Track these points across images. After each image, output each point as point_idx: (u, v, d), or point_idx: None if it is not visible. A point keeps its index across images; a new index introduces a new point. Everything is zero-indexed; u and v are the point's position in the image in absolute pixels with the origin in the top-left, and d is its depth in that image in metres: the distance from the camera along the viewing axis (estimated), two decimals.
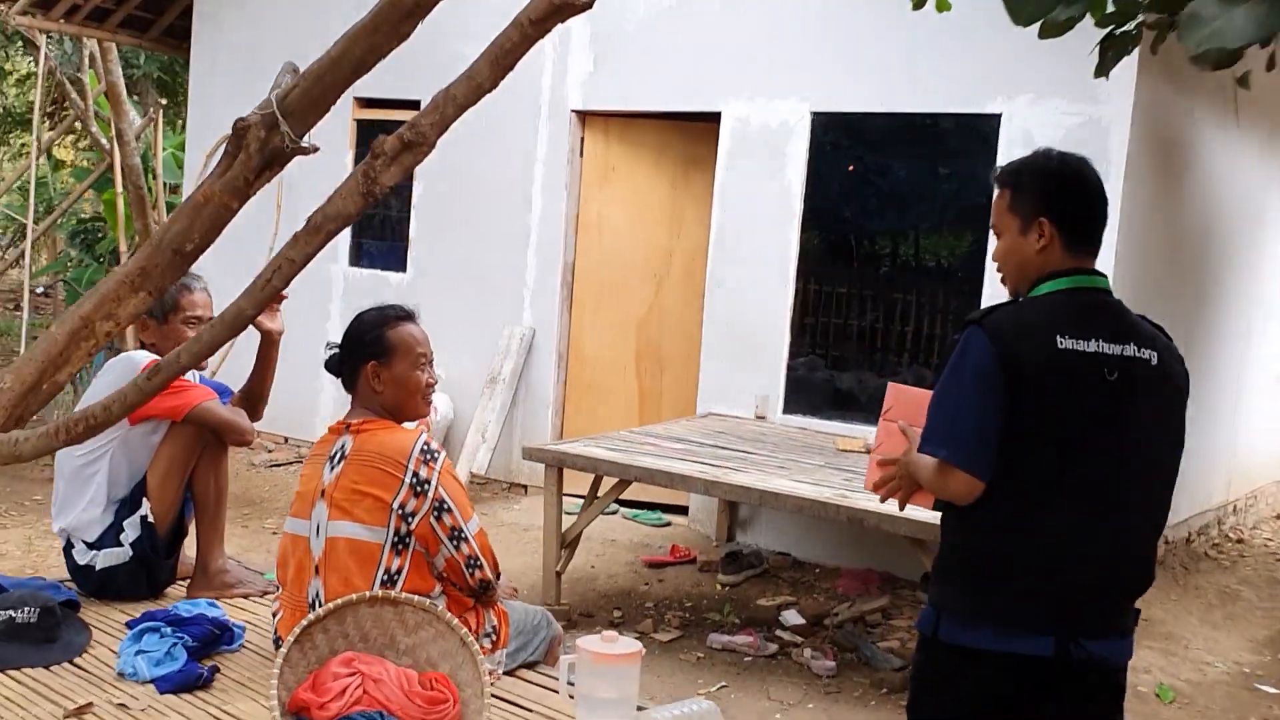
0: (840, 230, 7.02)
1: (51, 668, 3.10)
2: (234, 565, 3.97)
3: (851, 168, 6.94)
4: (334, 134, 8.38)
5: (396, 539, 3.07)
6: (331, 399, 8.43)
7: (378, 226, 8.47)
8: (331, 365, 3.22)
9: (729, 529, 7.00)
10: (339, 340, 3.24)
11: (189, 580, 3.86)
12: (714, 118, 7.11)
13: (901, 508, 2.66)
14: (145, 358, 3.67)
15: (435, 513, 3.06)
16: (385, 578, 3.06)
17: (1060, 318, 2.41)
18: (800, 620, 5.68)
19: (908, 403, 2.68)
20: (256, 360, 3.98)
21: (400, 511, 3.04)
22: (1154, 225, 6.44)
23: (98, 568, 3.65)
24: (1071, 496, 2.37)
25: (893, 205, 6.87)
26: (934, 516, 2.62)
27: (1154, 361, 2.43)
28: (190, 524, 3.88)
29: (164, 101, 11.07)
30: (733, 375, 7.02)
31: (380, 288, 8.27)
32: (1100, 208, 2.54)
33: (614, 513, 7.14)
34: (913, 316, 6.71)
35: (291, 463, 8.34)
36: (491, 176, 7.86)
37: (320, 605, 3.09)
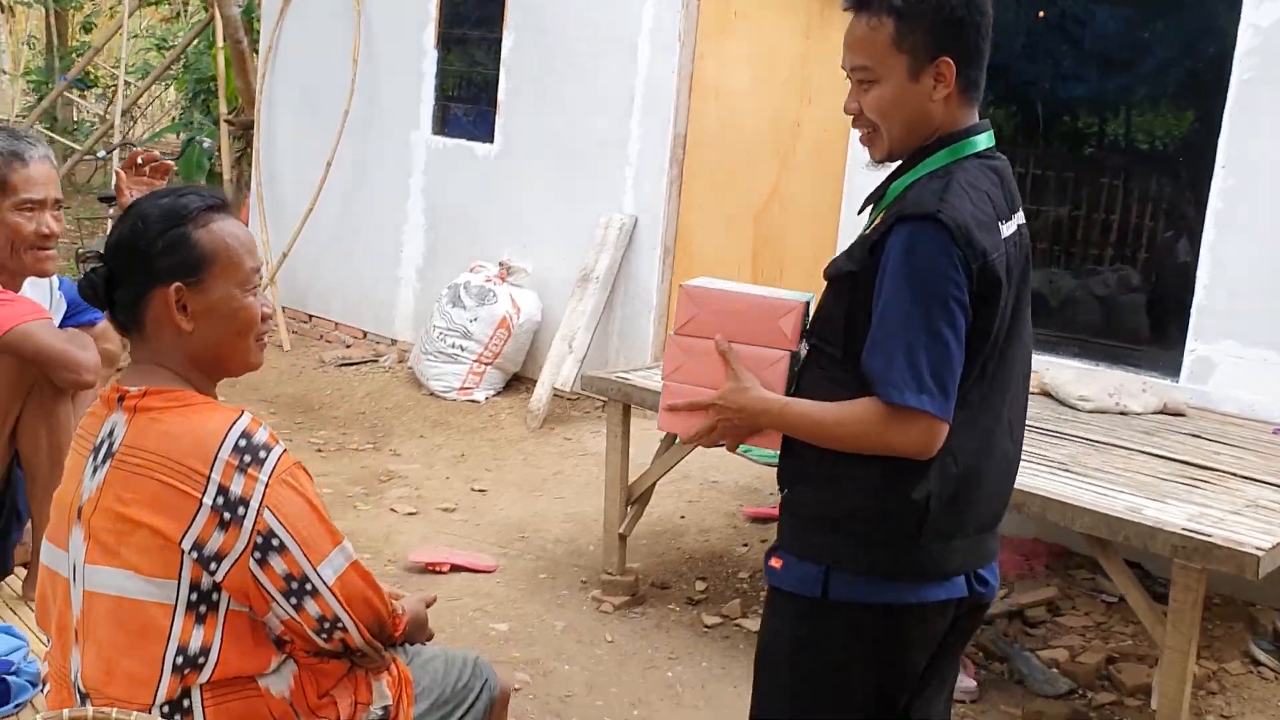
0: (1025, 98, 5.43)
1: None
2: None
3: (1042, 14, 5.32)
4: None
5: (195, 597, 1.87)
6: (413, 290, 7.31)
7: (465, 86, 7.18)
8: (91, 289, 1.97)
9: None
10: (103, 245, 1.98)
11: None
12: None
13: (733, 450, 2.22)
14: None
15: (257, 553, 1.86)
16: (180, 660, 1.87)
17: (993, 197, 2.03)
18: None
19: (716, 308, 2.16)
20: None
21: (196, 553, 1.84)
22: None
23: None
24: (985, 411, 2.06)
25: (1095, 67, 5.23)
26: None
27: (1025, 230, 2.14)
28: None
29: None
30: None
31: (465, 161, 7.03)
32: None
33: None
34: (1118, 205, 5.13)
35: (366, 362, 7.28)
36: (592, 20, 6.45)
37: (80, 691, 1.91)
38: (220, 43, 8.97)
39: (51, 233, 2.63)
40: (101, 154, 8.85)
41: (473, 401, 6.52)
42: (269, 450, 1.88)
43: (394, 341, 7.40)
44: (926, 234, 1.91)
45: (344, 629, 1.95)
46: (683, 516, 5.15)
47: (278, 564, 1.86)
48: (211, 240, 1.95)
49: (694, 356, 2.15)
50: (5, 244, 2.60)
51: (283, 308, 7.80)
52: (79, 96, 14.45)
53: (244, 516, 1.84)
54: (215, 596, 1.87)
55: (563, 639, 4.05)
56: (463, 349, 6.50)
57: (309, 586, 1.89)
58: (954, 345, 1.92)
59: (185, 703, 1.88)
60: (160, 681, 1.86)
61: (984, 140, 2.06)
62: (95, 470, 1.91)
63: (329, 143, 7.42)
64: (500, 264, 6.66)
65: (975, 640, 4.14)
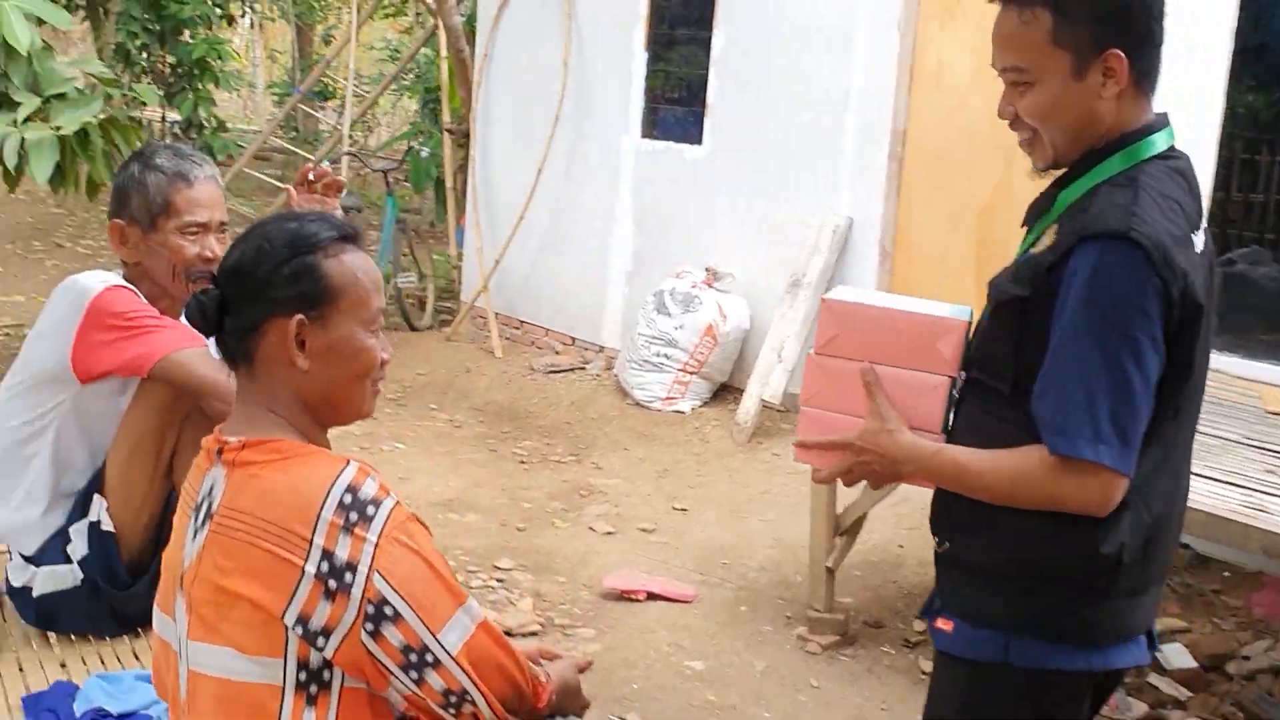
0: None
1: None
2: None
3: None
4: None
5: (305, 676, 1.65)
6: (621, 296, 7.12)
7: (674, 88, 6.94)
8: (200, 313, 1.75)
9: None
10: (220, 267, 1.78)
11: None
12: None
13: (877, 489, 2.10)
14: (97, 284, 2.42)
15: (369, 624, 1.64)
16: None
17: (1184, 206, 1.73)
18: (1189, 663, 3.80)
19: (862, 325, 1.92)
20: None
21: (302, 629, 1.62)
22: None
23: (36, 592, 2.48)
24: (1176, 448, 1.82)
25: None
26: None
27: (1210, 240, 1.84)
28: None
29: None
30: None
31: (673, 163, 6.79)
32: None
33: None
34: None
35: (574, 369, 7.14)
36: (804, 14, 6.10)
37: None
38: (444, 52, 9.04)
39: (215, 256, 2.51)
40: (327, 163, 9.02)
41: (678, 412, 6.28)
42: (378, 505, 1.66)
43: (601, 348, 7.25)
44: (1117, 256, 1.65)
45: (473, 703, 1.71)
46: (901, 546, 4.75)
47: (393, 635, 1.63)
48: (341, 272, 1.74)
49: (836, 380, 1.91)
50: (166, 268, 2.49)
51: (495, 314, 7.76)
52: (316, 108, 15.01)
53: (352, 584, 1.62)
54: (327, 675, 1.65)
55: (763, 681, 3.75)
56: (668, 358, 6.27)
57: (430, 657, 1.65)
58: (1140, 388, 1.68)
59: None
60: None
61: (1164, 139, 1.79)
62: (196, 533, 1.72)
63: (541, 149, 7.31)
64: (707, 269, 6.40)
65: (1233, 698, 3.62)
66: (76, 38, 15.68)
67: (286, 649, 1.63)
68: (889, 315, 1.93)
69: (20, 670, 2.41)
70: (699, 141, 6.65)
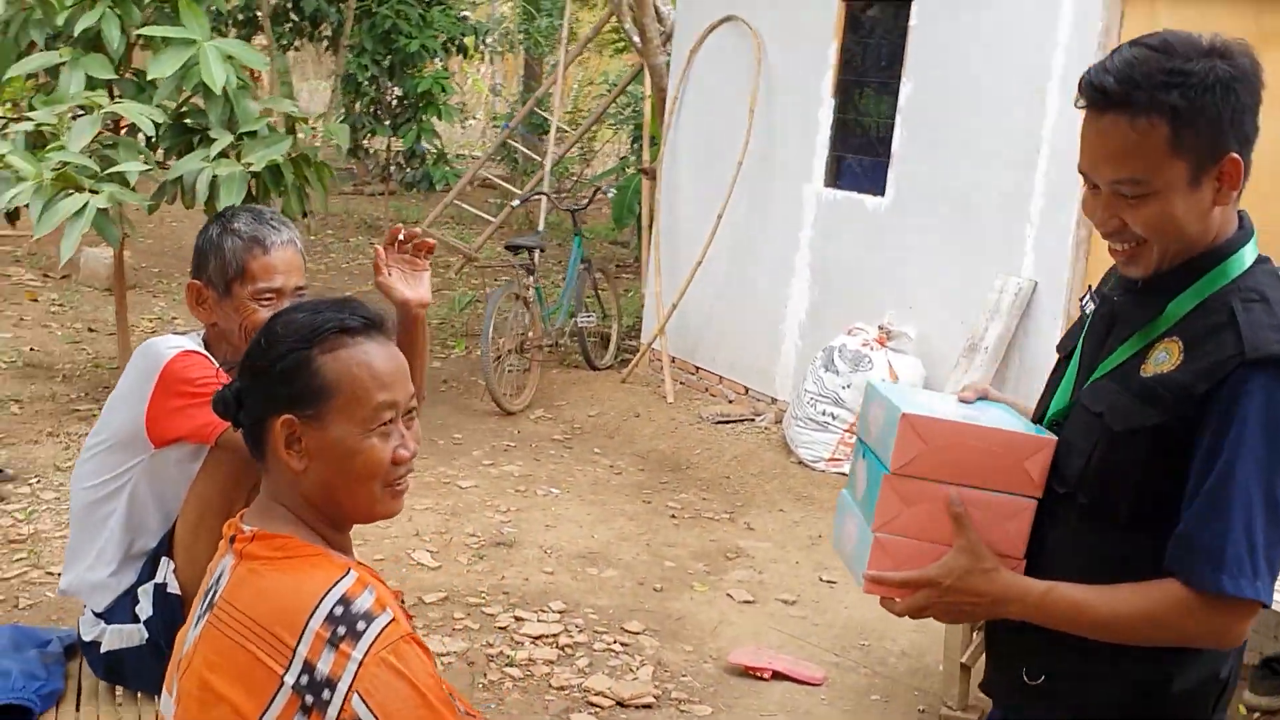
0: None
1: None
2: None
3: None
4: (818, 21, 6.74)
5: None
6: (795, 349, 6.95)
7: (859, 137, 6.73)
8: (223, 405, 1.74)
9: None
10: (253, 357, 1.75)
11: None
12: None
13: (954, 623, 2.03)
14: (170, 349, 2.45)
15: None
16: None
17: None
18: None
19: (946, 442, 1.72)
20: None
21: None
22: None
23: (104, 648, 2.53)
24: None
25: None
26: None
27: None
28: None
29: None
30: None
31: (854, 213, 6.57)
32: None
33: None
34: None
35: (743, 420, 6.99)
36: (997, 67, 5.80)
37: None
38: (648, 91, 9.05)
39: None
40: (515, 203, 9.16)
41: (841, 474, 6.05)
42: (370, 620, 1.58)
43: (773, 400, 7.07)
44: None
45: None
46: None
47: None
48: (336, 369, 1.67)
49: (915, 505, 1.74)
50: (240, 332, 2.50)
51: (673, 358, 7.69)
52: (539, 139, 15.33)
53: (329, 702, 1.55)
54: None
55: None
56: (834, 417, 6.05)
57: None
58: None
59: None
60: None
61: (1254, 244, 1.71)
62: (198, 620, 1.69)
63: (723, 193, 7.21)
64: (880, 327, 6.15)
65: None
66: (308, 70, 16.51)
67: None
68: (976, 433, 1.76)
69: None
70: (881, 192, 6.42)
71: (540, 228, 9.61)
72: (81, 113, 5.48)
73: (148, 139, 5.90)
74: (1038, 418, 1.90)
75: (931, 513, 1.73)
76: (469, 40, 15.32)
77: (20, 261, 9.78)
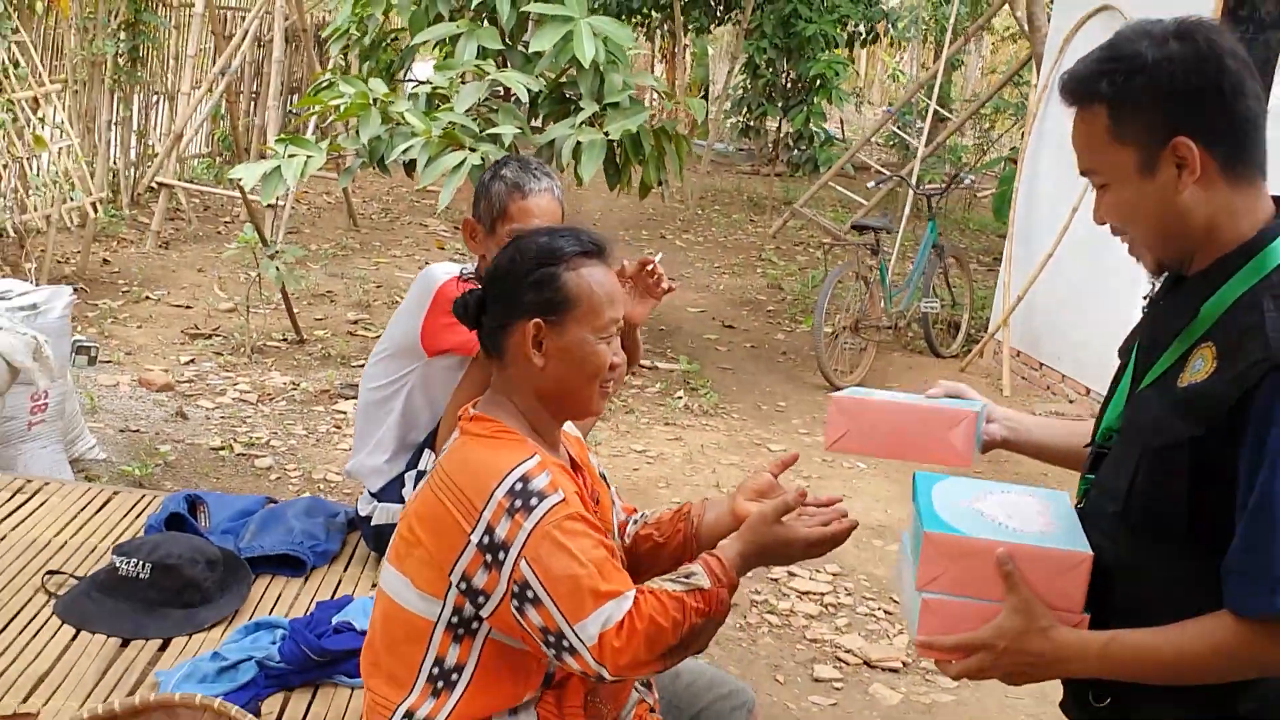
0: None
1: (133, 642, 2.53)
2: None
3: None
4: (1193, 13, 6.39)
5: (456, 620, 1.94)
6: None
7: None
8: (463, 309, 2.06)
9: None
10: (485, 269, 2.09)
11: None
12: None
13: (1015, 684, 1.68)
14: (444, 274, 2.87)
15: (515, 601, 1.87)
16: (435, 671, 1.96)
17: None
18: None
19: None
20: None
21: (465, 585, 1.90)
22: None
23: (374, 522, 2.99)
24: None
25: None
26: None
27: None
28: None
29: None
30: None
31: None
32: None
33: None
34: None
35: (1078, 421, 6.78)
36: None
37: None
38: (1035, 81, 8.88)
39: None
40: (871, 184, 9.24)
41: None
42: (543, 499, 1.85)
43: None
44: None
45: (615, 681, 1.89)
46: None
47: (534, 616, 1.84)
48: (578, 285, 1.97)
49: (960, 560, 1.64)
50: None
51: (1016, 351, 7.56)
52: (911, 128, 15.22)
53: (504, 562, 1.84)
54: (476, 625, 1.91)
55: None
56: None
57: (565, 643, 1.83)
58: None
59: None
60: (415, 685, 1.95)
61: None
62: (424, 477, 2.06)
63: (1080, 187, 7.01)
64: None
65: None
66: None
67: (447, 596, 1.91)
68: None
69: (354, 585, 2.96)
70: None
71: (904, 212, 9.64)
72: (472, 79, 6.18)
73: (531, 104, 6.54)
74: (1096, 427, 1.84)
75: (979, 568, 1.64)
76: (880, 26, 15.43)
77: (439, 215, 10.94)
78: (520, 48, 6.66)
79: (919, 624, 1.67)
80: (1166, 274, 1.74)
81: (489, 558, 1.85)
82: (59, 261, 7.76)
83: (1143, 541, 1.64)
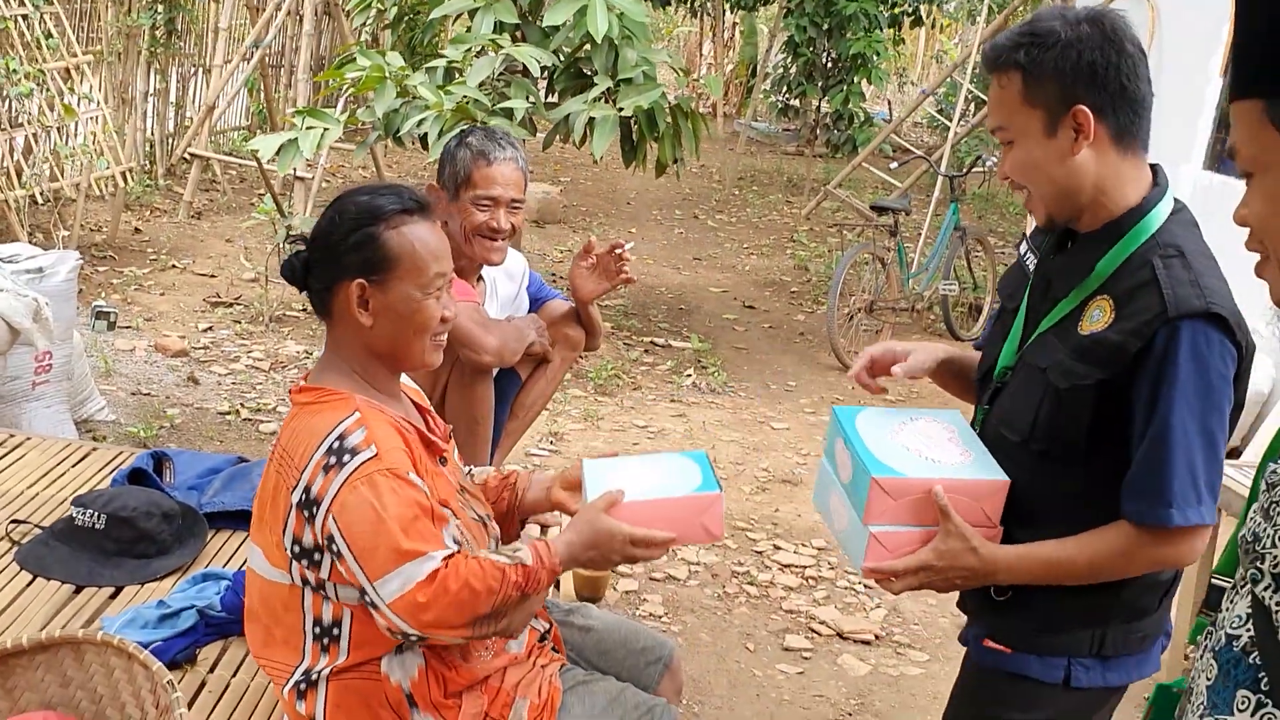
0: None
1: (86, 589, 2.63)
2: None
3: None
4: None
5: (314, 583, 2.00)
6: None
7: None
8: (291, 271, 2.09)
9: None
10: (307, 230, 2.13)
11: None
12: None
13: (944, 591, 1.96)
14: None
15: (329, 556, 1.93)
16: (318, 630, 2.03)
17: (1212, 256, 1.86)
18: None
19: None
20: None
21: (295, 549, 1.96)
22: None
23: None
24: None
25: None
26: None
27: None
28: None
29: None
30: None
31: (1229, 201, 6.08)
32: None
33: None
34: None
35: None
36: None
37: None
38: None
39: (500, 228, 2.92)
40: (893, 165, 9.20)
41: None
42: (354, 455, 1.88)
43: None
44: (1209, 336, 1.75)
45: (420, 640, 1.93)
46: None
47: (344, 570, 1.90)
48: (399, 243, 2.01)
49: (902, 498, 1.91)
50: (461, 231, 2.95)
51: None
52: (946, 110, 15.08)
53: (315, 518, 1.90)
54: (329, 590, 1.98)
55: None
56: None
57: (368, 599, 1.89)
58: (1222, 445, 1.80)
59: (313, 677, 2.03)
60: (304, 647, 2.02)
61: (1169, 197, 1.88)
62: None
63: None
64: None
65: None
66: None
67: (291, 565, 1.97)
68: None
69: None
70: None
71: (934, 195, 9.60)
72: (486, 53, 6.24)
73: (548, 80, 6.59)
74: (986, 368, 2.06)
75: (917, 502, 1.89)
76: (924, 8, 15.30)
77: None
78: (537, 22, 6.72)
79: (868, 553, 1.91)
80: (1049, 232, 1.98)
81: (306, 514, 1.90)
82: (91, 229, 7.95)
83: (1044, 465, 1.89)
